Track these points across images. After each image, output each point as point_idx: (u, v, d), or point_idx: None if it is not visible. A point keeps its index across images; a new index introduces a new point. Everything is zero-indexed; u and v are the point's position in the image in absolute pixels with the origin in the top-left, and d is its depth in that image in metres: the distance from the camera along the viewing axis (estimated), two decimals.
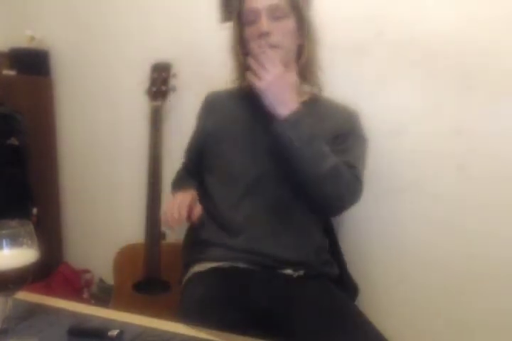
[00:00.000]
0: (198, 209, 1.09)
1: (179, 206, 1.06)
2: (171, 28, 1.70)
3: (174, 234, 1.29)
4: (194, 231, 1.21)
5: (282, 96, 1.01)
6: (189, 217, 1.07)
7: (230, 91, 1.26)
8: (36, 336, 0.69)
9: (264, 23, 1.06)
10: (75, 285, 1.93)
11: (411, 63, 1.32)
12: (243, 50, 1.15)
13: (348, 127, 1.15)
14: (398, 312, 1.42)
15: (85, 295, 1.93)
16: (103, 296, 1.83)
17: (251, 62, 1.03)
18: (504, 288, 1.27)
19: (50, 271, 1.93)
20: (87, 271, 2.00)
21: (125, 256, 1.43)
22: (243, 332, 0.71)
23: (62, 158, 2.06)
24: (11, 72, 1.90)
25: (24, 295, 0.79)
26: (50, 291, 1.80)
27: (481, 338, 1.31)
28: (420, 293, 1.38)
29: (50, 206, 2.04)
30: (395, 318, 1.38)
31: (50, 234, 2.02)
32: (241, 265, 1.10)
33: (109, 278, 1.61)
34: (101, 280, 1.94)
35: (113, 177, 1.95)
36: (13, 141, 1.73)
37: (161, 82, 1.38)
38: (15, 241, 0.64)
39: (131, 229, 1.45)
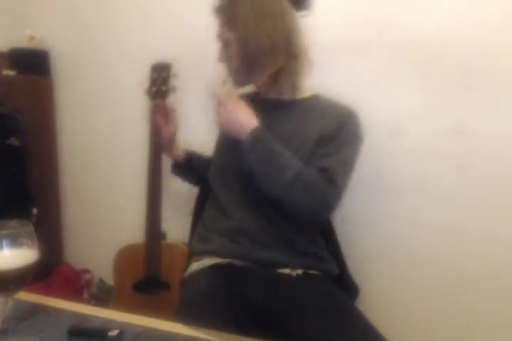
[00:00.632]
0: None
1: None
2: (171, 28, 1.70)
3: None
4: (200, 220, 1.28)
5: (236, 124, 1.11)
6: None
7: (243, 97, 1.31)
8: (36, 336, 0.69)
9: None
10: (75, 285, 1.93)
11: (411, 63, 1.32)
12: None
13: (334, 128, 1.12)
14: (398, 312, 1.42)
15: (85, 296, 1.93)
16: (103, 296, 1.83)
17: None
18: (504, 288, 1.27)
19: (50, 271, 1.93)
20: (87, 271, 2.00)
21: (125, 256, 1.43)
22: (243, 327, 0.72)
23: (62, 158, 2.06)
24: (11, 72, 1.90)
25: (24, 296, 0.79)
26: (50, 291, 1.80)
27: (481, 338, 1.31)
28: (420, 293, 1.38)
29: (50, 206, 2.04)
30: (394, 318, 1.38)
31: (50, 234, 2.02)
32: (240, 263, 1.10)
33: (109, 279, 1.61)
34: (101, 281, 1.94)
35: (113, 177, 1.95)
36: (13, 141, 1.73)
37: (161, 82, 1.38)
38: (15, 241, 0.64)
39: (131, 229, 1.45)
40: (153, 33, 1.74)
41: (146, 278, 1.38)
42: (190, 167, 1.40)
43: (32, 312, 0.76)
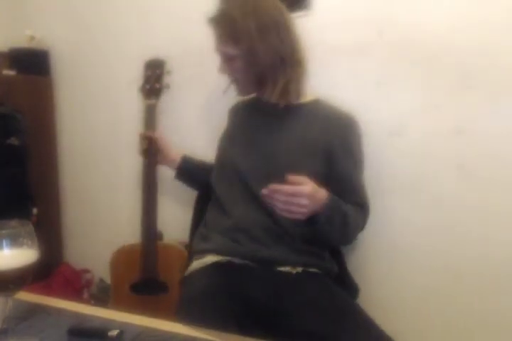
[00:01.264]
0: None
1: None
2: (171, 28, 1.69)
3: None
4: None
5: (317, 205, 0.98)
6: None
7: (246, 101, 1.34)
8: (36, 336, 0.69)
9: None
10: (75, 285, 1.93)
11: (411, 63, 1.32)
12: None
13: (339, 143, 1.17)
14: (398, 312, 1.42)
15: (85, 296, 1.93)
16: (103, 296, 1.83)
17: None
18: (505, 288, 1.27)
19: (50, 271, 1.93)
20: (87, 271, 2.00)
21: (122, 257, 1.43)
22: (243, 326, 0.72)
23: (62, 158, 2.06)
24: (11, 72, 1.90)
25: (24, 296, 0.79)
26: (50, 291, 1.80)
27: (480, 338, 1.31)
28: (420, 293, 1.38)
29: (50, 206, 2.03)
30: (394, 318, 1.38)
31: (50, 234, 2.02)
32: (240, 261, 1.10)
33: (109, 279, 1.60)
34: (101, 281, 1.94)
35: (113, 177, 1.95)
36: (13, 141, 1.73)
37: (154, 79, 1.35)
38: (15, 241, 0.64)
39: (132, 229, 1.45)
40: (153, 32, 1.74)
41: (143, 278, 1.37)
42: (190, 168, 1.40)
43: (32, 312, 0.76)
